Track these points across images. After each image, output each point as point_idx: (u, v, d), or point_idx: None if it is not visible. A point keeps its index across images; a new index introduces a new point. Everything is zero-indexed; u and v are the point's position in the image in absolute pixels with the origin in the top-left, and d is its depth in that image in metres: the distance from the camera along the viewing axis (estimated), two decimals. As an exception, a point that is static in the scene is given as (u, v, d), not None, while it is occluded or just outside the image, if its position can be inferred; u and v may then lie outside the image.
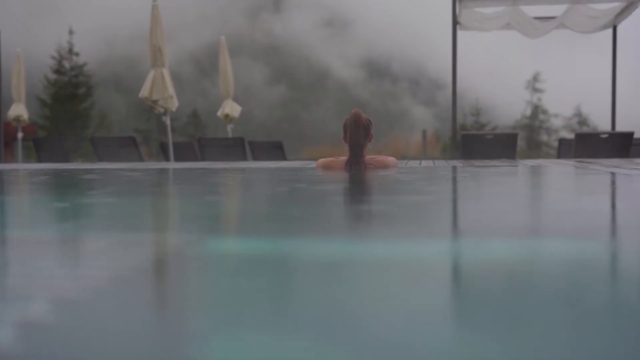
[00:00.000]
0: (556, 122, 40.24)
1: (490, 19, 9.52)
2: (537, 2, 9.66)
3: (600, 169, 4.17)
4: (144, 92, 8.83)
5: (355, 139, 4.06)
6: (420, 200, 2.08)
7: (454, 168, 4.67)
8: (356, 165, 4.10)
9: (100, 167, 5.77)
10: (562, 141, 10.66)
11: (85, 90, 34.39)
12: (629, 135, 8.24)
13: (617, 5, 9.48)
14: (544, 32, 9.54)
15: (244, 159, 9.38)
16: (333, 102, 44.35)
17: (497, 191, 2.66)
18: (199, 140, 9.75)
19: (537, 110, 40.14)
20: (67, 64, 34.25)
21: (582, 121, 39.59)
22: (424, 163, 6.07)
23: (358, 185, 2.88)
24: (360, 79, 46.71)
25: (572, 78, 41.78)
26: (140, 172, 4.44)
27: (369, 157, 4.17)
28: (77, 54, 34.46)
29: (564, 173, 3.86)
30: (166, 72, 8.90)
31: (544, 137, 40.11)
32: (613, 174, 3.54)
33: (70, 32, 34.32)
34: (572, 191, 2.73)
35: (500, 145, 8.33)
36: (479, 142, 8.50)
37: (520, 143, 40.07)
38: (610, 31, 10.24)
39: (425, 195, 2.28)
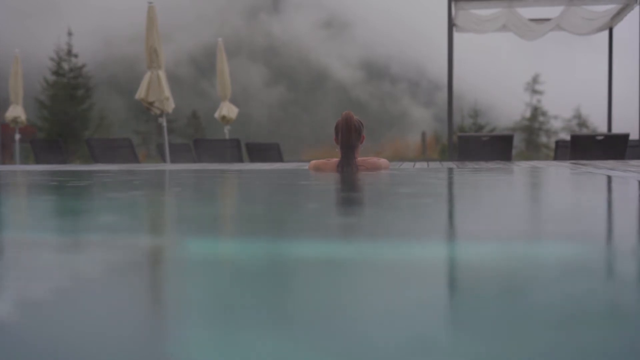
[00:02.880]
0: (556, 124, 40.24)
1: (486, 20, 9.53)
2: (533, 4, 9.67)
3: (590, 171, 4.17)
4: (140, 93, 8.85)
5: (346, 141, 4.07)
6: (388, 202, 2.08)
7: (443, 170, 4.68)
8: (347, 167, 4.11)
9: (81, 169, 5.77)
10: (558, 143, 10.67)
11: (84, 91, 34.39)
12: (625, 137, 8.26)
13: (612, 7, 9.49)
14: (540, 33, 9.56)
15: (240, 160, 9.39)
16: (332, 104, 44.36)
17: (472, 193, 2.67)
18: (195, 141, 9.77)
19: (536, 112, 40.13)
20: (66, 66, 34.25)
21: (582, 123, 39.56)
22: (418, 165, 6.08)
23: (326, 188, 2.88)
24: (359, 80, 46.70)
25: (572, 80, 41.77)
26: (117, 174, 4.44)
27: (360, 158, 4.18)
28: (76, 56, 34.46)
29: (551, 174, 3.86)
30: (162, 74, 8.92)
31: (543, 139, 40.10)
32: (604, 176, 3.54)
33: (69, 34, 34.33)
34: (555, 193, 2.74)
35: (496, 146, 8.36)
36: (475, 143, 8.52)
37: (520, 144, 39.74)
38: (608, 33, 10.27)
39: (399, 197, 2.28)
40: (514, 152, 8.74)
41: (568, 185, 3.08)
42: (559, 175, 3.79)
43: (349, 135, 4.06)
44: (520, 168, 4.94)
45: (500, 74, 44.90)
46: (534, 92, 40.05)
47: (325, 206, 2.03)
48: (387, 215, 1.67)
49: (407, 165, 6.03)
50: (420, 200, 2.19)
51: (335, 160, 4.20)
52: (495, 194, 2.67)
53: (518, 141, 38.09)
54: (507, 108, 41.32)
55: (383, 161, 4.36)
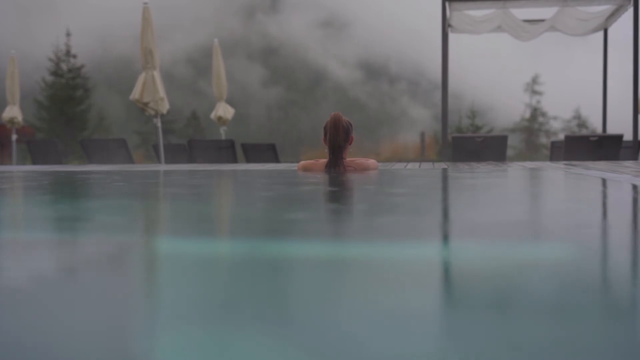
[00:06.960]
0: (555, 125, 40.22)
1: (481, 21, 9.54)
2: (527, 5, 9.68)
3: (574, 172, 4.18)
4: (135, 94, 8.87)
5: (334, 141, 4.08)
6: (350, 203, 2.09)
7: (432, 171, 4.68)
8: (335, 168, 4.12)
9: (64, 170, 5.78)
10: (554, 144, 10.68)
11: (83, 92, 34.38)
12: (618, 137, 8.27)
13: (607, 8, 9.49)
14: (534, 34, 9.56)
15: (235, 161, 9.39)
16: (331, 104, 44.28)
17: (446, 194, 2.68)
18: (189, 142, 9.77)
19: (536, 112, 40.11)
20: (64, 66, 34.24)
21: (582, 123, 39.53)
22: (410, 166, 6.09)
23: (297, 190, 2.89)
24: (358, 80, 46.63)
25: (572, 80, 41.75)
26: (90, 175, 4.44)
27: (349, 159, 4.19)
28: (74, 56, 34.45)
29: (532, 176, 3.87)
30: (157, 75, 8.93)
31: (543, 140, 40.06)
32: (591, 177, 3.55)
33: (68, 34, 34.30)
34: (533, 193, 2.74)
35: (490, 147, 8.37)
36: (469, 144, 8.54)
37: (520, 145, 39.44)
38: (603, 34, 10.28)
39: (366, 199, 2.29)
40: (514, 152, 8.75)
41: (544, 187, 3.08)
42: (537, 177, 3.80)
43: (336, 136, 4.07)
44: (506, 169, 4.95)
45: (499, 74, 44.90)
46: (534, 92, 40.04)
47: (283, 206, 2.04)
48: (342, 215, 1.68)
49: (399, 166, 6.04)
50: (383, 200, 2.20)
51: (324, 160, 4.21)
52: (466, 195, 2.68)
53: (518, 142, 38.05)
54: (506, 109, 41.29)
55: (371, 162, 4.37)
